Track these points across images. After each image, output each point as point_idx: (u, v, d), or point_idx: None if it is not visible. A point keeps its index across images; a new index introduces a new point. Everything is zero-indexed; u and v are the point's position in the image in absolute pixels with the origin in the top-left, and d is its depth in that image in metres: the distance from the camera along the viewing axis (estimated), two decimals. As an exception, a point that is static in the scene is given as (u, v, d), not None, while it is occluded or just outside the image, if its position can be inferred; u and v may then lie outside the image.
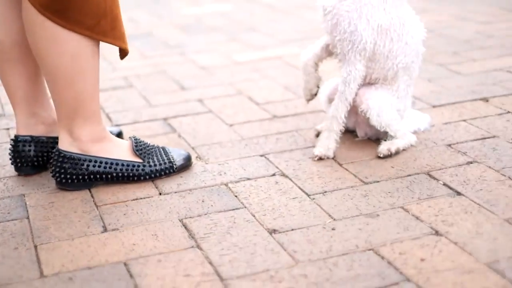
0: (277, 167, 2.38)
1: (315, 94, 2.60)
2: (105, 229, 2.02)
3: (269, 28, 4.58)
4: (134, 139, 2.34)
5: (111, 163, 2.26)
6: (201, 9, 5.40)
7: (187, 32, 4.57)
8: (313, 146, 2.49)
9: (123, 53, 2.25)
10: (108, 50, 4.00)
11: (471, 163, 2.33)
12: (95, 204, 2.17)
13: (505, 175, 2.21)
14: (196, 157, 2.49)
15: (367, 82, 2.48)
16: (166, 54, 3.99)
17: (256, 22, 4.80)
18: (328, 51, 2.50)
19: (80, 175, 2.24)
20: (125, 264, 1.83)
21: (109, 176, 2.26)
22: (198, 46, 4.16)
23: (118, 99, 3.20)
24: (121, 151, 2.29)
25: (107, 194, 2.23)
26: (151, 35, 4.51)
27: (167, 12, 5.35)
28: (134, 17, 4.96)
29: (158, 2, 5.80)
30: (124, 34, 2.21)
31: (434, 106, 2.89)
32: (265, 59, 3.80)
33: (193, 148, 2.57)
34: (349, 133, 2.60)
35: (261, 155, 2.48)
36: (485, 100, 2.92)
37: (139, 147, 2.31)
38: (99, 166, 2.24)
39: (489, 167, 2.28)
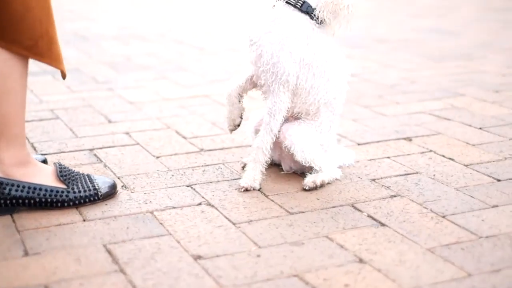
0: (203, 197, 2.37)
1: (238, 125, 2.61)
2: (26, 253, 1.97)
3: (198, 68, 4.60)
4: (59, 165, 2.30)
5: (34, 188, 2.21)
6: (131, 49, 5.40)
7: (116, 70, 4.55)
8: (240, 178, 2.50)
9: (63, 74, 2.25)
10: (35, 83, 3.97)
11: (395, 196, 2.37)
12: (16, 229, 2.12)
13: (427, 208, 2.26)
14: (122, 186, 2.47)
15: (290, 116, 2.51)
16: (94, 89, 3.97)
17: (185, 62, 4.82)
18: (253, 83, 2.53)
19: (2, 200, 2.18)
20: (46, 287, 1.79)
21: (32, 201, 2.22)
22: (126, 83, 4.15)
23: (44, 130, 3.15)
24: (45, 176, 2.26)
25: (29, 220, 2.18)
26: (79, 71, 4.48)
27: (96, 50, 5.33)
28: (62, 53, 4.90)
29: (87, 40, 5.78)
30: (61, 56, 2.21)
31: (359, 144, 2.94)
32: (193, 96, 3.81)
33: (119, 178, 2.55)
34: (275, 166, 2.63)
35: (188, 186, 2.48)
36: (409, 139, 2.99)
37: (63, 173, 2.28)
38: (21, 191, 2.20)
39: (412, 200, 2.33)
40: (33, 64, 4.43)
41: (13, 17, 2.07)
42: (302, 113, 2.50)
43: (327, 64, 2.43)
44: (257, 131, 2.55)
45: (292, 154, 2.47)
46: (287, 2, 2.40)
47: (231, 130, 2.63)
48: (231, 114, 2.59)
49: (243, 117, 2.60)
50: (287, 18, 2.38)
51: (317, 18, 2.39)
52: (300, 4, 2.39)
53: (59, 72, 2.26)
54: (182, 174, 2.59)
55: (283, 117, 2.44)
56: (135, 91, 3.94)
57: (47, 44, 2.15)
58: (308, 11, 2.39)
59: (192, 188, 2.46)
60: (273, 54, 2.36)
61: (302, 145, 2.45)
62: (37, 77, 4.21)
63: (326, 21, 2.40)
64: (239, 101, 2.57)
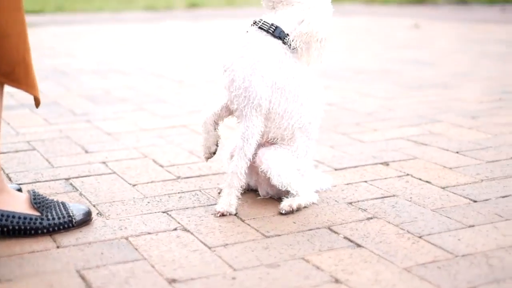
0: (179, 223, 2.36)
1: (214, 153, 2.61)
2: (-2, 280, 1.94)
3: (176, 100, 4.61)
4: (33, 192, 2.28)
5: (7, 216, 2.19)
6: (110, 82, 5.40)
7: (94, 102, 4.54)
8: (216, 204, 2.48)
9: (37, 101, 2.23)
10: (12, 116, 3.95)
11: (371, 218, 2.36)
12: (-12, 256, 2.10)
13: (403, 229, 2.25)
14: (97, 213, 2.45)
15: (266, 141, 2.51)
16: (72, 121, 3.95)
17: (164, 95, 4.82)
18: (228, 110, 2.53)
19: (-26, 227, 2.16)
20: (17, 313, 1.76)
21: (5, 229, 2.19)
22: (104, 115, 4.14)
23: (20, 161, 3.13)
24: (19, 204, 2.23)
25: (2, 247, 2.15)
26: (57, 104, 4.47)
27: (75, 84, 5.32)
28: (40, 88, 4.88)
29: (67, 75, 5.77)
30: (36, 83, 2.20)
31: (336, 169, 2.94)
32: (171, 127, 3.81)
33: (94, 206, 2.53)
34: (251, 191, 2.62)
35: (164, 212, 2.46)
36: (386, 164, 3.00)
37: (37, 200, 2.26)
38: (-6, 218, 2.17)
39: (389, 222, 2.32)
40: (11, 98, 4.44)
41: None
42: (277, 138, 2.50)
43: (300, 88, 2.44)
44: (232, 157, 2.54)
45: (269, 178, 2.46)
46: (259, 28, 2.41)
47: (207, 158, 2.63)
48: (207, 142, 2.59)
49: (218, 144, 2.60)
50: (259, 42, 2.39)
51: (290, 44, 2.41)
52: (272, 30, 2.40)
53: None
54: (158, 201, 2.57)
55: (257, 141, 2.43)
56: (113, 122, 3.93)
57: (24, 70, 2.14)
58: (280, 36, 2.40)
59: (168, 214, 2.44)
60: (245, 78, 2.36)
61: (279, 169, 2.44)
62: (14, 110, 4.19)
63: (298, 50, 2.42)
64: (215, 129, 2.57)
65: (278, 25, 2.41)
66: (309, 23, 2.38)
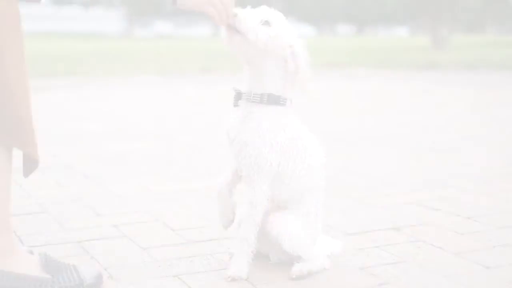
0: (190, 287, 2.35)
1: (233, 221, 2.62)
2: None
3: (188, 163, 4.63)
4: (44, 255, 2.29)
5: (18, 278, 2.19)
6: (122, 145, 5.43)
7: (107, 165, 4.57)
8: (227, 268, 2.48)
9: (31, 168, 2.23)
10: (23, 179, 3.96)
11: (383, 284, 2.35)
12: (-2, 320, 2.09)
13: (416, 295, 2.24)
14: (108, 276, 2.45)
15: (277, 206, 2.51)
16: (84, 184, 3.97)
17: (175, 158, 4.85)
18: (239, 177, 2.54)
19: (-15, 290, 2.16)
20: None
21: (16, 292, 2.19)
22: (116, 178, 4.16)
23: (31, 223, 3.14)
24: (29, 266, 2.23)
25: (12, 311, 2.15)
26: (69, 166, 4.49)
27: (88, 147, 5.35)
28: (53, 151, 4.94)
29: (79, 138, 5.80)
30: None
31: (347, 234, 2.93)
32: (182, 190, 3.82)
33: (105, 269, 2.53)
34: (263, 256, 2.61)
35: (174, 276, 2.46)
36: (397, 229, 2.99)
37: (48, 263, 2.26)
38: (6, 280, 2.17)
39: (400, 288, 2.31)
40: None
41: None
42: (288, 201, 2.50)
43: (306, 150, 2.45)
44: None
45: (280, 243, 2.46)
46: (252, 102, 2.43)
47: (226, 227, 2.63)
48: (225, 211, 2.59)
49: (236, 212, 2.60)
50: (260, 113, 2.40)
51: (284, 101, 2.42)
52: (265, 99, 2.41)
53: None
54: (169, 265, 2.57)
55: (264, 206, 2.43)
56: (125, 185, 3.94)
57: (31, 133, 2.16)
58: (275, 101, 2.41)
59: (179, 278, 2.44)
60: (255, 147, 2.38)
61: (290, 235, 2.44)
62: (27, 172, 4.21)
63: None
64: (230, 197, 2.58)
65: (268, 92, 2.42)
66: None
